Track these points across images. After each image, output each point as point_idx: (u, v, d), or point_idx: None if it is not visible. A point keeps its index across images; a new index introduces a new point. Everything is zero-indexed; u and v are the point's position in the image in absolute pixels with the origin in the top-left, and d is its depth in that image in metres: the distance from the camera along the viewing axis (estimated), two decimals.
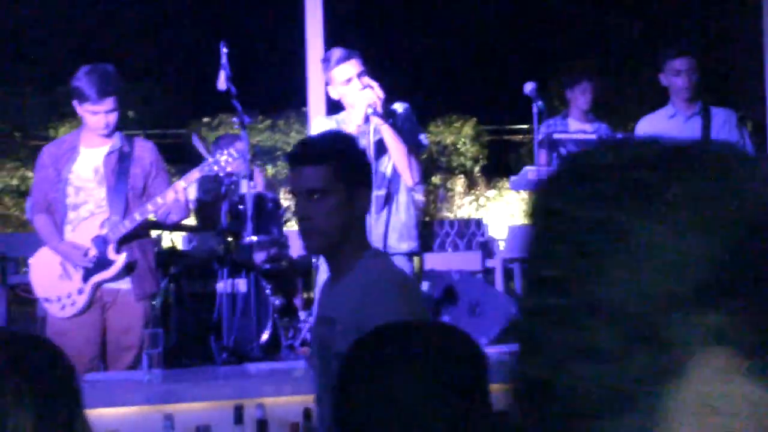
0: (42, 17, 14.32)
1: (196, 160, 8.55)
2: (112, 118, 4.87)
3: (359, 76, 4.68)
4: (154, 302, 5.34)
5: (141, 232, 4.98)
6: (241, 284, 6.41)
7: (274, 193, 7.42)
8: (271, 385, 3.75)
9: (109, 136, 4.93)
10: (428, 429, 1.65)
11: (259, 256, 6.98)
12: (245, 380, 3.89)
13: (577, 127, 7.41)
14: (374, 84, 4.62)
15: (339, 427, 1.71)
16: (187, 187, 4.87)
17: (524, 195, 14.04)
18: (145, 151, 5.04)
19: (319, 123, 4.93)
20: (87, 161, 4.95)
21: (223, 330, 6.03)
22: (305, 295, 7.45)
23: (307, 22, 9.41)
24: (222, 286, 6.22)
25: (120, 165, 4.91)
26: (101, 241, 4.84)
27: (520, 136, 15.29)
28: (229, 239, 6.56)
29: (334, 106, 5.06)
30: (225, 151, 4.98)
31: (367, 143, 4.53)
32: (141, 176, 4.95)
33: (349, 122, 4.74)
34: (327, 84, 4.80)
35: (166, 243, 7.35)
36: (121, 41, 15.26)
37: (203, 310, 6.49)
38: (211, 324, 6.35)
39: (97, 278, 4.85)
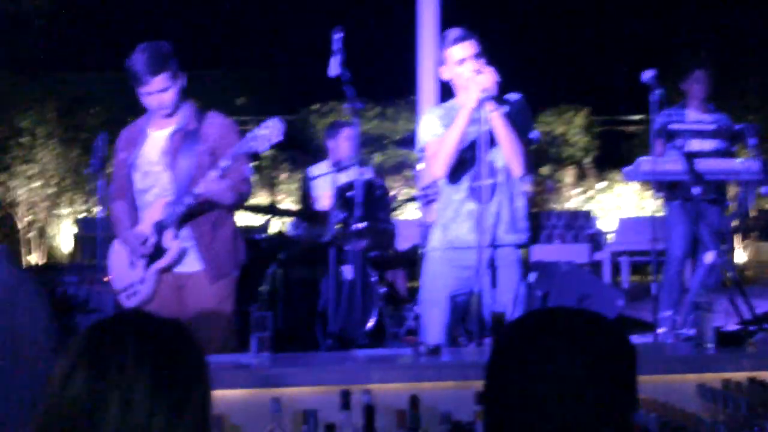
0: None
1: (304, 145, 8.59)
2: (167, 97, 4.62)
3: (475, 57, 4.61)
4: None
5: (210, 211, 4.62)
6: (348, 271, 6.42)
7: (383, 180, 7.40)
8: (378, 371, 3.71)
9: (171, 115, 4.70)
10: (578, 416, 1.66)
11: (366, 243, 6.97)
12: (353, 366, 3.86)
13: (695, 118, 7.23)
14: (488, 69, 4.54)
15: (489, 406, 1.75)
16: (226, 167, 4.42)
17: (636, 187, 13.86)
18: (213, 126, 4.66)
19: (428, 112, 4.85)
20: (154, 144, 4.73)
21: (329, 317, 6.05)
22: (410, 284, 7.43)
23: (420, 9, 9.37)
24: (329, 272, 6.23)
25: (184, 144, 4.62)
26: (158, 227, 4.63)
27: (633, 127, 15.01)
28: (337, 226, 6.57)
29: (445, 95, 4.99)
30: (263, 126, 4.45)
31: (478, 129, 4.47)
32: (206, 154, 4.58)
33: (458, 107, 4.67)
34: (441, 64, 4.73)
35: (274, 229, 7.40)
36: (230, 28, 15.45)
37: (310, 296, 6.53)
38: (317, 310, 6.37)
39: (156, 266, 4.65)
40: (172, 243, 4.62)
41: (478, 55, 4.61)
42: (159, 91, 4.60)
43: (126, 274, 4.74)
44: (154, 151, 4.72)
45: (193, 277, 4.65)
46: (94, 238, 8.27)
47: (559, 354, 1.70)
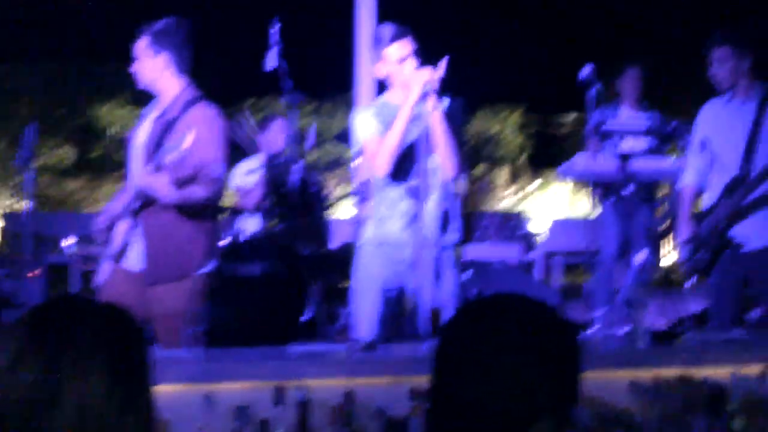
0: None
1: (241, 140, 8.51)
2: (141, 67, 4.53)
3: (413, 55, 4.59)
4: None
5: (166, 209, 4.44)
6: (281, 268, 6.38)
7: (318, 177, 7.37)
8: (312, 367, 3.69)
9: (164, 93, 4.56)
10: (521, 405, 1.67)
11: (299, 240, 6.93)
12: (286, 362, 3.84)
13: (629, 116, 7.31)
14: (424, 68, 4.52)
15: (435, 395, 1.74)
16: (154, 169, 4.29)
17: (569, 187, 13.99)
18: (196, 117, 4.44)
19: (362, 111, 4.79)
20: (144, 127, 4.62)
21: (262, 314, 6.00)
22: (344, 283, 7.40)
23: (357, 5, 9.35)
24: (262, 269, 6.19)
25: (161, 132, 4.46)
26: (118, 215, 4.54)
27: (568, 127, 15.13)
28: (271, 222, 6.52)
29: (382, 91, 4.96)
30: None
31: (420, 126, 4.45)
32: (179, 143, 4.30)
33: (392, 104, 4.65)
34: (376, 61, 4.69)
35: None
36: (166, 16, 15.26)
37: (243, 292, 6.47)
38: (249, 307, 6.32)
39: (107, 253, 4.57)
40: (120, 233, 4.51)
41: (415, 53, 4.61)
42: (135, 58, 4.53)
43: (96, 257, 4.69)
44: (141, 135, 4.61)
45: (139, 277, 4.53)
46: (17, 234, 8.10)
47: (503, 342, 1.70)
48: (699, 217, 5.43)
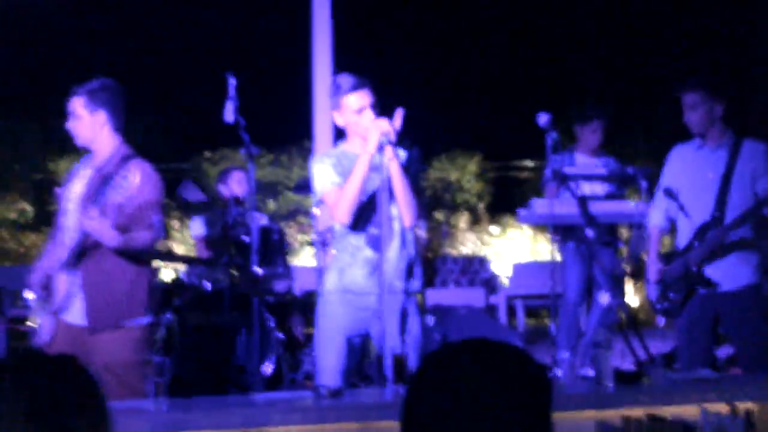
0: (38, 46, 14.34)
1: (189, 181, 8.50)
2: (79, 126, 4.58)
3: (371, 106, 4.61)
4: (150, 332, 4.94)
5: (105, 257, 4.46)
6: (245, 317, 6.34)
7: (279, 225, 7.36)
8: (278, 414, 3.66)
9: (97, 150, 4.62)
10: None
11: (262, 288, 6.91)
12: (252, 409, 3.80)
13: (585, 161, 7.38)
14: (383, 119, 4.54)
15: (408, 428, 1.73)
16: (99, 213, 4.31)
17: (529, 231, 14.09)
18: (130, 174, 4.41)
19: (319, 161, 4.76)
20: (78, 182, 4.66)
21: (226, 363, 5.96)
22: (307, 330, 7.37)
23: (314, 55, 9.40)
24: (225, 318, 6.15)
25: (98, 188, 4.45)
26: (57, 269, 4.53)
27: (525, 173, 15.25)
28: (233, 271, 6.49)
29: (340, 140, 4.96)
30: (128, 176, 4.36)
31: (379, 175, 4.46)
32: (115, 207, 4.40)
33: (350, 153, 4.66)
34: (334, 109, 4.70)
35: (168, 274, 7.28)
36: (119, 73, 15.26)
37: (206, 342, 6.42)
38: (213, 357, 6.27)
39: (50, 309, 4.54)
40: (61, 285, 4.50)
41: (373, 104, 4.62)
42: (71, 115, 4.57)
43: (36, 314, 4.62)
44: (77, 189, 4.63)
45: (83, 331, 4.50)
46: None
47: (473, 387, 1.69)
48: (668, 258, 5.48)
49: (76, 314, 4.53)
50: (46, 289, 4.54)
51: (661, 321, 5.49)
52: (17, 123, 13.05)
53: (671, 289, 5.40)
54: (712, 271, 5.29)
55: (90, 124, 4.60)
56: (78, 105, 4.58)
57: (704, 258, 5.27)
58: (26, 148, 12.56)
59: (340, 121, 4.71)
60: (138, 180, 4.42)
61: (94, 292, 4.49)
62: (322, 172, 4.67)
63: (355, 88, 4.61)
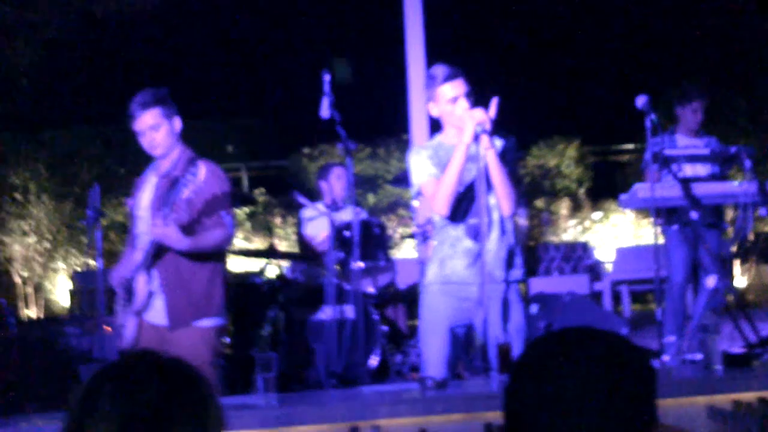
0: (138, 50, 14.66)
1: (298, 189, 8.60)
2: (158, 136, 4.66)
3: (466, 95, 4.61)
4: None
5: (179, 257, 4.59)
6: (349, 311, 6.40)
7: (380, 219, 7.41)
8: (385, 407, 3.69)
9: (164, 157, 4.73)
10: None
11: (365, 282, 6.96)
12: (360, 402, 3.85)
13: (686, 143, 7.26)
14: (493, 103, 4.54)
15: (509, 423, 1.73)
16: (164, 220, 4.39)
17: (632, 216, 13.90)
18: (195, 176, 4.50)
19: (416, 153, 4.79)
20: (147, 189, 4.79)
21: (332, 357, 6.03)
22: (411, 322, 7.40)
23: (408, 49, 9.43)
24: (330, 313, 6.22)
25: (168, 191, 4.52)
26: (136, 271, 4.65)
27: (626, 156, 15.05)
28: (336, 266, 6.56)
29: (436, 132, 4.97)
30: (190, 172, 4.44)
31: (476, 165, 4.46)
32: (185, 203, 4.52)
33: (446, 144, 4.67)
34: (429, 100, 4.72)
35: (272, 272, 7.38)
36: (220, 75, 15.50)
37: (312, 337, 6.50)
38: (319, 351, 6.35)
39: (131, 309, 4.67)
40: (141, 286, 4.62)
41: (468, 93, 4.62)
42: (150, 128, 4.64)
43: (118, 315, 4.79)
44: (146, 197, 4.77)
45: (161, 329, 4.65)
46: (90, 290, 8.23)
47: (576, 375, 1.68)
48: None
49: (157, 314, 4.67)
50: (128, 292, 4.67)
51: None
52: (118, 128, 13.38)
53: None
54: None
55: (168, 132, 4.70)
56: (156, 116, 4.65)
57: None
58: (128, 152, 12.83)
59: (435, 112, 4.72)
60: (203, 176, 4.50)
61: (172, 291, 4.62)
62: (419, 164, 4.69)
63: (449, 77, 4.62)
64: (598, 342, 1.74)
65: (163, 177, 4.70)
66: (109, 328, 5.07)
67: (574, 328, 1.81)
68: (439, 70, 4.66)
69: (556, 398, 1.67)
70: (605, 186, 13.99)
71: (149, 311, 4.68)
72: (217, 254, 4.73)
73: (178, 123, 4.74)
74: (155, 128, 4.66)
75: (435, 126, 4.93)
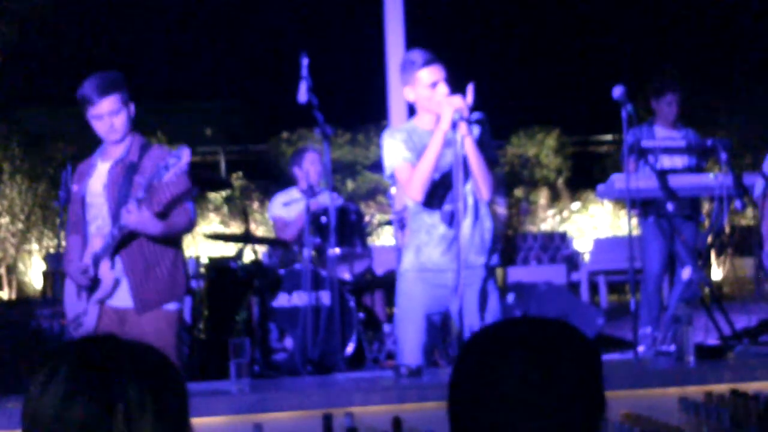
0: (115, 29, 14.59)
1: (275, 174, 8.57)
2: (119, 121, 4.60)
3: (444, 81, 4.60)
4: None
5: (144, 243, 4.59)
6: (325, 298, 6.39)
7: (357, 205, 7.38)
8: (359, 394, 3.68)
9: (120, 142, 4.67)
10: (539, 421, 1.64)
11: (342, 269, 6.94)
12: (334, 390, 3.84)
13: (664, 134, 7.27)
14: (469, 89, 4.52)
15: (454, 411, 1.72)
16: (137, 206, 4.37)
17: (610, 207, 13.94)
18: (151, 159, 4.58)
19: (390, 136, 4.77)
20: (99, 175, 4.72)
21: (308, 343, 6.01)
22: (389, 309, 7.40)
23: (388, 35, 9.41)
24: (305, 299, 6.20)
25: (123, 176, 4.58)
26: (95, 259, 4.61)
27: (605, 147, 15.09)
28: (313, 252, 6.53)
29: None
30: (172, 155, 4.39)
31: (452, 151, 4.45)
32: (143, 187, 4.43)
33: (420, 129, 4.66)
34: (405, 85, 4.69)
35: (248, 257, 7.35)
36: (198, 58, 15.43)
37: (286, 323, 6.48)
38: (295, 337, 6.33)
39: (96, 298, 4.64)
40: (106, 274, 4.59)
41: (446, 79, 4.60)
42: (109, 113, 4.58)
43: (75, 304, 4.75)
44: (98, 183, 4.71)
45: (128, 312, 4.63)
46: (63, 272, 8.18)
47: (518, 360, 1.67)
48: None
49: (121, 297, 4.64)
50: (90, 280, 4.64)
51: None
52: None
53: None
54: None
55: (126, 118, 4.66)
56: (116, 101, 4.59)
57: None
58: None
59: (411, 97, 4.69)
60: (185, 160, 4.46)
61: (138, 276, 4.61)
62: (393, 147, 4.67)
63: (427, 62, 4.59)
64: (537, 331, 1.74)
65: (118, 163, 4.66)
66: (63, 321, 5.04)
67: (514, 318, 1.82)
68: (417, 54, 4.64)
69: (496, 388, 1.66)
70: (584, 176, 14.03)
71: (113, 297, 4.64)
72: (178, 239, 4.75)
73: (132, 108, 4.69)
74: (114, 113, 4.59)
75: (414, 112, 4.90)
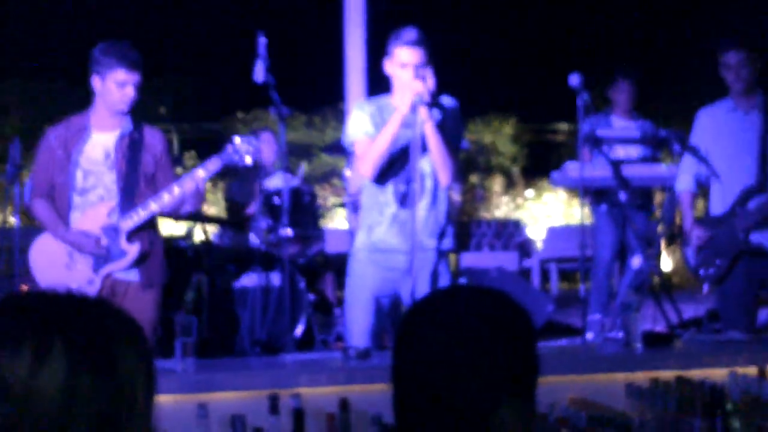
0: (66, 7, 14.39)
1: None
2: (133, 95, 4.66)
3: (419, 66, 4.55)
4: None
5: (150, 221, 4.79)
6: (275, 278, 6.35)
7: (311, 187, 7.34)
8: (306, 375, 3.67)
9: (122, 115, 4.72)
10: (475, 389, 1.68)
11: (293, 250, 6.90)
12: (280, 370, 3.82)
13: (621, 125, 7.31)
14: (428, 75, 4.51)
15: (395, 382, 1.76)
16: (206, 177, 4.65)
17: (564, 196, 14.00)
18: (155, 138, 4.79)
19: (359, 108, 4.78)
20: (98, 144, 4.71)
21: (256, 324, 5.98)
22: (340, 292, 7.37)
23: (347, 16, 9.35)
24: (255, 279, 6.16)
25: (131, 151, 4.69)
26: (112, 231, 4.62)
27: (561, 136, 15.15)
28: (264, 233, 6.49)
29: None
30: (245, 139, 4.77)
31: (413, 134, 4.44)
32: (152, 164, 4.72)
33: (391, 106, 4.64)
34: (386, 56, 4.66)
35: (199, 236, 7.29)
36: (152, 34, 15.26)
37: (236, 303, 6.44)
38: (243, 318, 6.30)
39: (108, 269, 4.65)
40: (130, 247, 4.64)
41: (424, 64, 4.57)
42: (133, 84, 4.62)
43: (64, 273, 4.66)
44: (98, 151, 4.70)
45: (131, 285, 4.68)
46: (7, 248, 7.99)
47: (452, 327, 1.71)
48: (707, 223, 5.38)
49: (129, 270, 4.71)
50: (104, 248, 4.64)
51: (705, 288, 5.40)
52: (45, 82, 13.01)
53: (717, 255, 5.30)
54: (756, 237, 5.21)
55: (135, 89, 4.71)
56: (139, 76, 4.67)
57: (752, 225, 5.18)
58: (54, 108, 12.54)
59: (389, 70, 4.69)
60: (164, 145, 4.80)
61: (145, 251, 4.70)
62: (359, 119, 4.67)
63: (409, 43, 4.57)
64: (474, 298, 1.78)
65: (125, 137, 4.71)
66: (26, 287, 4.96)
67: (454, 286, 1.86)
68: (406, 32, 4.60)
69: (436, 352, 1.69)
70: (540, 164, 14.08)
71: (120, 270, 4.70)
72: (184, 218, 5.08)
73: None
74: (135, 87, 4.64)
75: (373, 94, 4.90)
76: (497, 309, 1.75)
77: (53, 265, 4.68)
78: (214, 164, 4.67)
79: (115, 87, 4.60)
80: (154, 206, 4.60)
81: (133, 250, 4.64)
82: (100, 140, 4.72)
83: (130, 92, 4.62)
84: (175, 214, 4.96)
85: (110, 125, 4.72)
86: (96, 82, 4.63)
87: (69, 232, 4.65)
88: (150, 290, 4.71)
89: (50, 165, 4.73)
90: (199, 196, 4.75)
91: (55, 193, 4.72)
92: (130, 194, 4.65)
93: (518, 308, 1.77)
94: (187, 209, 4.76)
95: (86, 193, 4.69)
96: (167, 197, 4.58)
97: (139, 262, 4.68)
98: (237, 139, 4.76)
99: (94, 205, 4.64)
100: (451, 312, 1.74)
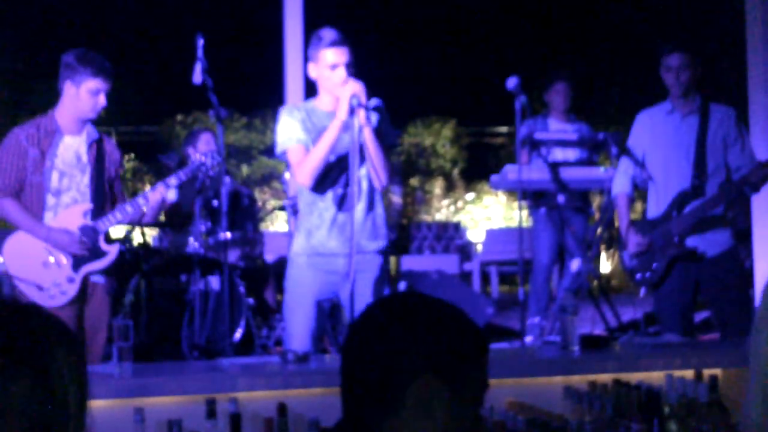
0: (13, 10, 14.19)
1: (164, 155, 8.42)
2: (103, 103, 4.82)
3: (348, 65, 4.54)
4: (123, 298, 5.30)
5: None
6: (214, 282, 6.31)
7: (250, 190, 7.30)
8: (244, 379, 3.63)
9: (89, 121, 4.87)
10: (421, 398, 1.71)
11: (233, 254, 6.85)
12: (218, 374, 3.78)
13: (558, 127, 7.36)
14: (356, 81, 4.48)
15: (344, 386, 1.80)
16: (171, 188, 4.83)
17: (504, 198, 14.09)
18: (113, 147, 5.02)
19: (287, 113, 4.69)
20: (70, 147, 4.81)
21: (195, 328, 5.93)
22: (280, 296, 7.34)
23: (286, 19, 9.32)
24: (194, 283, 6.11)
25: (99, 157, 4.87)
26: (91, 231, 4.73)
27: (501, 139, 15.24)
28: (203, 236, 6.44)
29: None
30: (209, 154, 5.03)
31: (351, 137, 4.42)
32: (113, 171, 4.96)
33: (319, 109, 4.61)
34: (310, 61, 4.62)
35: (137, 239, 7.21)
36: (91, 36, 15.09)
37: (175, 307, 6.38)
38: (182, 322, 6.24)
39: (88, 268, 4.75)
40: (109, 248, 4.78)
41: (349, 65, 4.55)
42: (105, 93, 4.78)
43: (41, 271, 4.71)
44: (70, 154, 4.80)
45: (98, 287, 4.82)
46: None
47: (401, 335, 1.74)
48: (642, 226, 5.42)
49: (97, 274, 4.86)
50: (89, 247, 4.75)
51: (642, 291, 5.45)
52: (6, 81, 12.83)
53: (654, 259, 5.34)
54: (697, 240, 5.26)
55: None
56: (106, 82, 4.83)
57: (688, 229, 5.23)
58: (21, 108, 12.40)
59: (314, 74, 4.63)
60: (120, 153, 5.04)
61: (111, 253, 4.84)
62: (289, 126, 4.59)
63: (333, 43, 4.53)
64: (424, 306, 1.82)
65: (96, 143, 4.86)
66: None
67: (404, 294, 1.88)
68: (327, 33, 4.56)
69: (383, 355, 1.74)
70: (479, 167, 14.16)
71: (92, 271, 4.82)
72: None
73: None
74: (106, 96, 4.80)
75: (314, 93, 4.85)
76: (444, 320, 1.78)
77: (31, 262, 4.72)
78: (179, 177, 4.89)
79: (88, 95, 4.73)
80: (130, 210, 4.77)
81: (113, 250, 4.80)
82: (71, 143, 4.83)
83: (102, 101, 4.77)
84: (137, 222, 5.14)
85: (77, 129, 4.84)
86: (69, 87, 4.74)
87: (52, 230, 4.70)
88: (111, 293, 4.90)
89: (22, 164, 4.75)
90: (162, 208, 4.93)
91: (25, 193, 4.75)
92: (100, 197, 4.81)
93: (465, 320, 1.82)
94: (147, 220, 5.00)
95: (60, 195, 4.77)
96: (142, 202, 4.77)
97: (110, 266, 4.83)
98: (202, 157, 5.04)
99: (69, 207, 4.75)
100: (395, 321, 1.77)
